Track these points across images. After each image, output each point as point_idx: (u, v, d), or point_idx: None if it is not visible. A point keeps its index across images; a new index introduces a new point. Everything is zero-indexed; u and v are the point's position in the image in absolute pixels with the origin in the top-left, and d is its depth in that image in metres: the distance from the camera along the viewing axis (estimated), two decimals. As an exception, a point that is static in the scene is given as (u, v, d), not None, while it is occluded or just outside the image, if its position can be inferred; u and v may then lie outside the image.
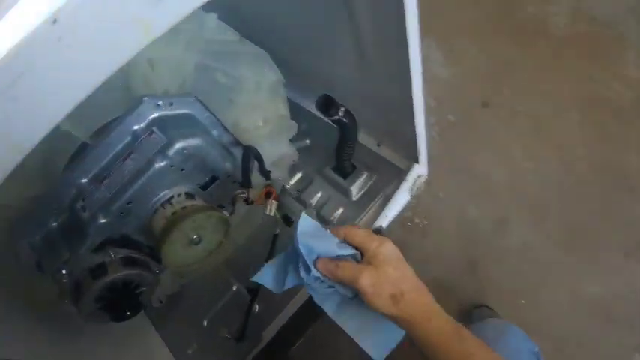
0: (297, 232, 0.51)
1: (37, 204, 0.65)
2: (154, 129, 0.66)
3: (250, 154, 0.76)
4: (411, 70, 0.70)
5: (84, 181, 0.66)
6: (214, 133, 0.75)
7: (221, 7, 0.72)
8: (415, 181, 0.90)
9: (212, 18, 0.71)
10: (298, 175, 1.03)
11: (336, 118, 0.80)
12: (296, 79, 0.92)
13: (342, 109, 0.80)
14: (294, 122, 0.91)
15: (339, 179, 0.98)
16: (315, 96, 0.99)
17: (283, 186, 1.00)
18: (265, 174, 0.81)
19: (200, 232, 0.68)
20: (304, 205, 1.00)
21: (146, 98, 0.65)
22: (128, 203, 0.65)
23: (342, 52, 0.83)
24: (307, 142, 1.07)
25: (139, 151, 0.66)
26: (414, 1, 0.62)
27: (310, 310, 0.95)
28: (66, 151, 0.66)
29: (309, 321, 0.95)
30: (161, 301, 0.97)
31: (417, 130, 0.82)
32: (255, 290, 0.86)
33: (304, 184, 1.02)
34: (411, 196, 0.92)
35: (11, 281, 0.73)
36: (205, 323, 0.95)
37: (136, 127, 0.66)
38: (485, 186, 1.18)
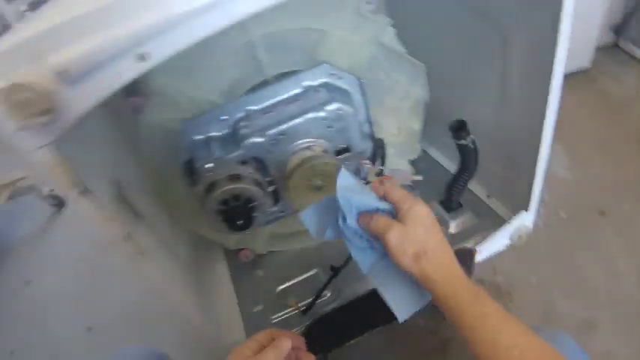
0: (338, 186, 0.54)
1: (211, 112, 0.80)
2: (321, 89, 0.81)
3: (382, 143, 0.87)
4: (548, 107, 0.77)
5: (254, 108, 0.81)
6: (359, 117, 0.88)
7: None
8: (519, 229, 0.93)
9: (391, 30, 0.87)
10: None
11: (464, 142, 0.89)
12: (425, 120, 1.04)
13: (472, 137, 0.89)
14: (419, 146, 1.01)
15: (442, 210, 1.04)
16: (439, 141, 1.09)
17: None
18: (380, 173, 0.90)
19: (326, 180, 0.78)
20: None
21: (325, 65, 0.80)
22: (281, 134, 0.78)
23: (485, 93, 0.94)
24: (421, 177, 1.16)
25: (304, 101, 0.80)
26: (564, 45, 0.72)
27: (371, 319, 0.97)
28: (249, 84, 0.82)
29: (366, 328, 0.97)
30: (247, 257, 1.06)
31: (535, 179, 0.87)
32: (338, 269, 0.91)
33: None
34: (510, 243, 0.94)
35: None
36: (277, 290, 1.01)
37: (308, 83, 0.81)
38: (581, 285, 1.14)
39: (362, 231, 0.55)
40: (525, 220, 0.93)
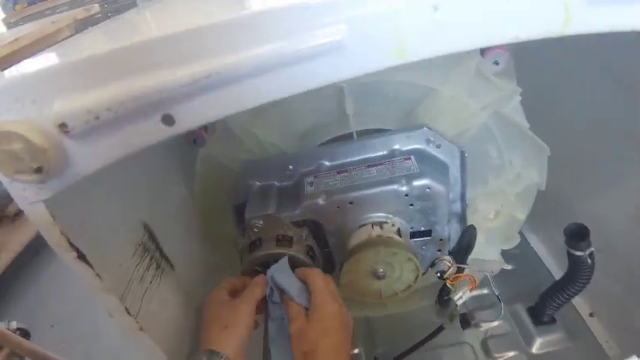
0: (274, 268, 0.60)
1: (277, 158, 0.69)
2: (412, 157, 0.66)
3: (473, 233, 0.69)
4: None
5: (327, 163, 0.68)
6: (451, 195, 0.72)
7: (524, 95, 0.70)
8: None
9: (516, 99, 0.69)
10: (484, 291, 0.92)
11: (580, 254, 0.70)
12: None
13: (591, 249, 0.69)
14: (518, 236, 0.82)
15: (529, 322, 0.84)
16: (544, 230, 0.89)
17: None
18: (463, 262, 0.73)
19: (389, 270, 0.63)
20: (473, 321, 0.88)
21: (425, 129, 0.65)
22: (350, 202, 0.64)
23: (621, 196, 0.73)
24: (509, 267, 0.96)
25: (389, 167, 0.65)
26: None
27: None
28: (329, 134, 0.69)
29: None
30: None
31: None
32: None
33: (483, 304, 0.90)
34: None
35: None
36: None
37: (397, 147, 0.67)
38: None
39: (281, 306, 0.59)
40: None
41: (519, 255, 0.97)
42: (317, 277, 0.58)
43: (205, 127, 0.69)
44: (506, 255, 0.90)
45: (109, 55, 0.31)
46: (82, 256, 0.42)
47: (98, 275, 0.44)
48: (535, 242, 0.99)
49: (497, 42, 0.34)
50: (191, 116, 0.33)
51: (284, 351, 0.58)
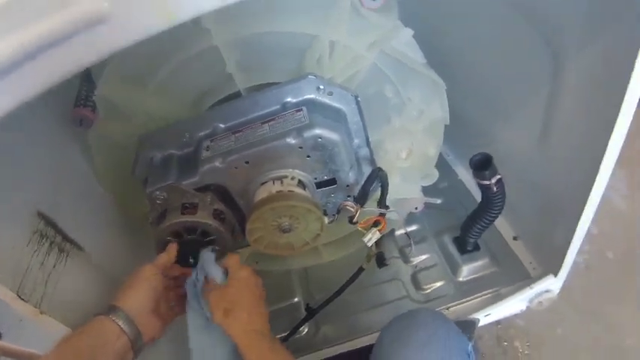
0: (204, 260, 0.62)
1: (172, 126, 0.67)
2: (304, 108, 0.65)
3: (379, 175, 0.70)
4: (601, 168, 0.58)
5: (221, 125, 0.67)
6: (355, 141, 0.72)
7: (418, 28, 0.69)
8: (541, 294, 0.75)
9: (408, 33, 0.68)
10: (412, 227, 0.94)
11: (487, 183, 0.71)
12: (456, 132, 0.84)
13: (498, 176, 0.71)
14: (436, 171, 0.83)
15: (455, 252, 0.87)
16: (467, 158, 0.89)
17: (393, 229, 0.92)
18: (383, 205, 0.74)
19: (293, 222, 0.64)
20: (405, 258, 0.91)
21: (311, 77, 0.64)
22: (246, 162, 0.64)
23: (527, 118, 0.74)
24: (438, 201, 0.98)
25: (280, 122, 0.64)
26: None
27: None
28: (219, 94, 0.68)
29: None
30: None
31: (572, 239, 0.68)
32: (314, 311, 0.79)
33: (414, 240, 0.93)
34: (528, 306, 0.77)
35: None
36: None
37: (288, 99, 0.66)
38: (615, 347, 0.94)
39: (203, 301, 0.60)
40: (551, 284, 0.74)
41: (448, 188, 0.99)
42: (231, 258, 0.63)
43: (93, 108, 0.67)
44: (434, 190, 0.92)
45: None
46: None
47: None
48: (462, 173, 1.01)
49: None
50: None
51: (198, 312, 0.61)
